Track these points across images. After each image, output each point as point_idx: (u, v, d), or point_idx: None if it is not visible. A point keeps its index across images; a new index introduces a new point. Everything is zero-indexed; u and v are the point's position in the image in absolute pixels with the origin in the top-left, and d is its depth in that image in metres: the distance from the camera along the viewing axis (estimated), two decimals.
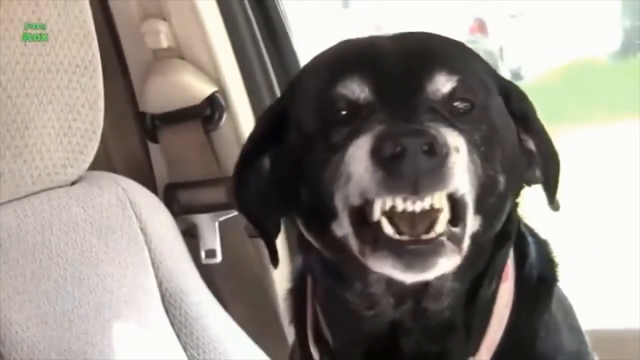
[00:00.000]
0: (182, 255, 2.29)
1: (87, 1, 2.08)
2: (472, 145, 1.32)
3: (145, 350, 2.09)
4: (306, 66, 1.49)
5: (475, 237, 1.34)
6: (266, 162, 1.48)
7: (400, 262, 1.27)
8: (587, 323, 1.58)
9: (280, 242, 1.55)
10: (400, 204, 1.26)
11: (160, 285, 2.19)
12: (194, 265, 2.32)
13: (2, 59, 1.93)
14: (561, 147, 1.48)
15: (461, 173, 1.27)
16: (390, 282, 1.37)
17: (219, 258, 2.54)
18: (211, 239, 2.56)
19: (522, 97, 1.47)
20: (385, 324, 1.43)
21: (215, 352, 2.20)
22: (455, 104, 1.35)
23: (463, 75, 1.37)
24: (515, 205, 1.47)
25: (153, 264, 2.19)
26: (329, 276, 1.46)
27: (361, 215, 1.30)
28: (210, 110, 2.52)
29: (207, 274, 2.43)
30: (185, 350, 2.19)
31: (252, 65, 2.60)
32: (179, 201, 2.58)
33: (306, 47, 2.84)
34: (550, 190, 1.48)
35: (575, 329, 1.55)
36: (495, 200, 1.36)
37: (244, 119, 2.55)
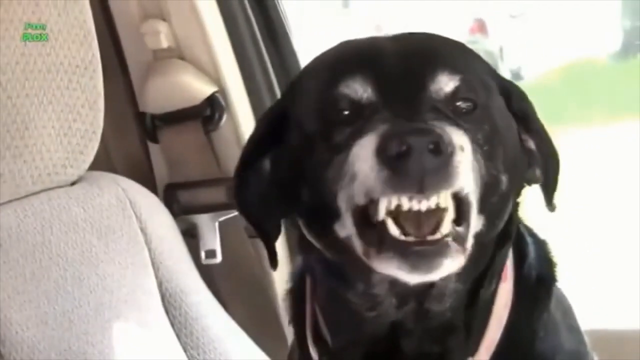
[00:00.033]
0: (182, 256, 2.29)
1: (87, 1, 2.08)
2: (475, 144, 1.32)
3: (145, 350, 2.09)
4: (307, 67, 1.49)
5: (478, 237, 1.34)
6: (266, 164, 1.48)
7: (405, 263, 1.27)
8: (587, 323, 1.58)
9: (280, 243, 1.55)
10: (406, 203, 1.26)
11: (160, 285, 2.19)
12: (194, 265, 2.32)
13: (2, 59, 1.93)
14: (561, 148, 1.48)
15: (466, 172, 1.27)
16: (393, 283, 1.36)
17: (219, 258, 2.54)
18: (211, 239, 2.56)
19: (522, 97, 1.48)
20: (386, 324, 1.42)
21: (215, 352, 2.20)
22: (458, 103, 1.35)
23: (465, 74, 1.37)
24: (516, 205, 1.47)
25: (153, 264, 2.19)
26: (330, 277, 1.45)
27: (365, 216, 1.30)
28: (210, 111, 2.52)
29: (207, 274, 2.43)
30: (185, 350, 2.19)
31: (252, 65, 2.60)
32: (179, 201, 2.58)
33: (306, 47, 2.84)
34: (549, 190, 1.49)
35: (574, 328, 1.55)
36: (498, 199, 1.36)
37: (244, 119, 2.55)
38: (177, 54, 2.54)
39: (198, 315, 2.21)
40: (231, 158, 2.53)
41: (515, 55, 6.40)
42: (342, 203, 1.32)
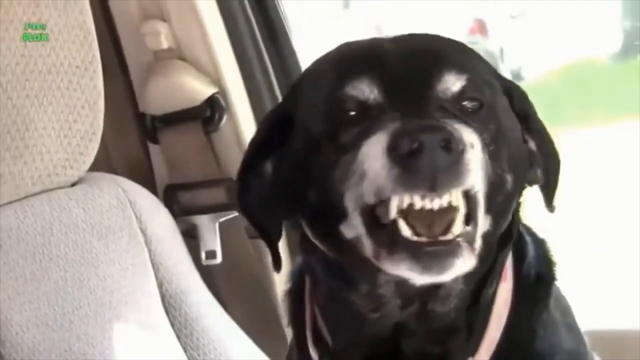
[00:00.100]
0: (182, 256, 2.29)
1: (87, 2, 2.08)
2: (482, 143, 1.31)
3: (146, 351, 2.09)
4: (308, 69, 1.49)
5: (485, 237, 1.33)
6: (268, 167, 1.48)
7: (417, 264, 1.26)
8: (587, 323, 1.58)
9: (281, 244, 1.55)
10: (419, 202, 1.25)
11: (160, 286, 2.19)
12: (194, 266, 2.32)
13: (2, 59, 1.93)
14: (561, 148, 1.48)
15: (477, 170, 1.27)
16: (399, 284, 1.36)
17: (219, 259, 2.54)
18: (211, 239, 2.56)
19: (523, 97, 1.48)
20: (389, 326, 1.42)
21: (215, 352, 2.20)
22: (464, 103, 1.35)
23: (471, 74, 1.37)
24: (518, 205, 1.47)
25: (153, 264, 2.19)
26: (333, 278, 1.45)
27: (373, 216, 1.30)
28: (210, 112, 2.52)
29: (208, 274, 2.43)
30: (185, 351, 2.19)
31: (252, 65, 2.60)
32: (179, 202, 2.58)
33: (306, 47, 2.84)
34: (550, 190, 1.49)
35: (573, 327, 1.55)
36: (503, 199, 1.36)
37: (244, 120, 2.55)
38: (177, 54, 2.54)
39: (198, 315, 2.21)
40: (231, 159, 2.53)
41: (515, 56, 6.40)
42: (350, 203, 1.31)
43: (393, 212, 1.27)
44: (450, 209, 1.27)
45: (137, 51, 2.57)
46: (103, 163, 2.39)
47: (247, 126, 2.53)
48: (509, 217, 1.41)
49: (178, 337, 2.19)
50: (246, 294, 2.62)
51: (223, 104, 2.52)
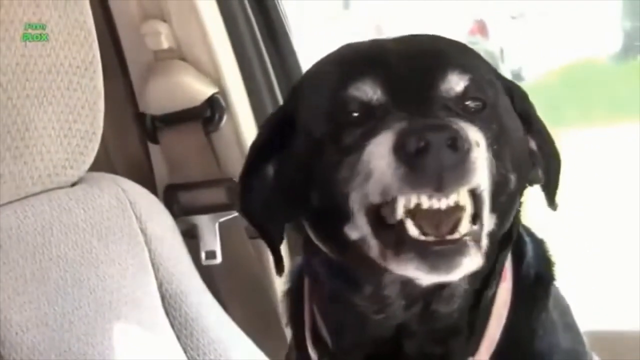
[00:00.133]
0: (182, 257, 2.29)
1: (87, 2, 2.08)
2: (486, 143, 1.32)
3: (146, 351, 2.09)
4: (309, 71, 1.49)
5: (490, 236, 1.33)
6: (269, 170, 1.47)
7: (425, 263, 1.26)
8: (587, 324, 1.58)
9: (281, 244, 1.55)
10: (426, 202, 1.25)
11: (160, 286, 2.19)
12: (194, 266, 2.32)
13: (2, 60, 1.93)
14: (561, 148, 1.48)
15: (483, 168, 1.27)
16: (404, 284, 1.36)
17: (219, 259, 2.54)
18: (211, 240, 2.56)
19: (524, 97, 1.48)
20: (391, 327, 1.42)
21: (215, 353, 2.20)
22: (467, 102, 1.35)
23: (474, 74, 1.37)
24: (520, 205, 1.47)
25: (153, 265, 2.19)
26: (335, 280, 1.44)
27: (379, 217, 1.30)
28: (210, 112, 2.52)
29: (207, 275, 2.43)
30: (185, 351, 2.19)
31: (252, 65, 2.60)
32: (179, 202, 2.58)
33: (306, 47, 2.84)
34: (551, 190, 1.49)
35: (571, 327, 1.55)
36: (507, 199, 1.36)
37: (244, 120, 2.55)
38: (178, 54, 2.54)
39: (198, 316, 2.21)
40: (231, 159, 2.53)
41: (515, 56, 6.39)
42: (355, 204, 1.31)
43: (400, 212, 1.27)
44: (457, 208, 1.27)
45: (137, 51, 2.57)
46: (103, 163, 2.39)
47: (247, 126, 2.53)
48: (512, 217, 1.41)
49: (178, 338, 2.19)
50: (246, 294, 2.62)
51: (223, 104, 2.52)
